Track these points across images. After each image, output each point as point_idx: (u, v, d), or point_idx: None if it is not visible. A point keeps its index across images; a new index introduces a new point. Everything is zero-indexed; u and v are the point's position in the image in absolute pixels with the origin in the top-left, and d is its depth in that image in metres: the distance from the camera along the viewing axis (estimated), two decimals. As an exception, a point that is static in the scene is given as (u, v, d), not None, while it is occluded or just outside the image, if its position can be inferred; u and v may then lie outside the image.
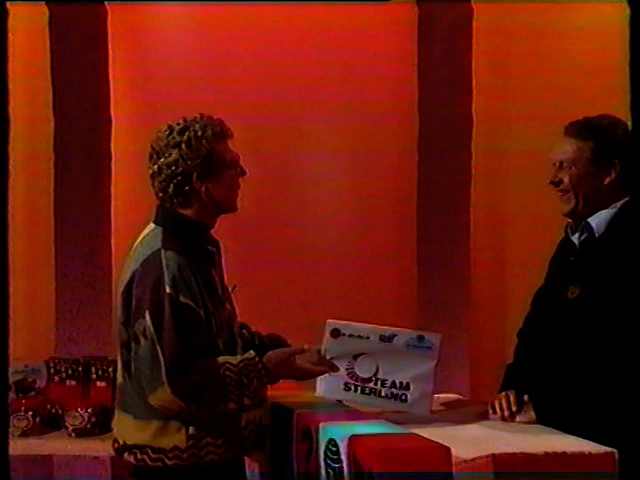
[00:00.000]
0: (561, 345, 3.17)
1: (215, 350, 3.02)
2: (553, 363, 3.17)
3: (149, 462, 3.03)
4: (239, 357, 3.02)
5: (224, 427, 3.04)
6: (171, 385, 2.90)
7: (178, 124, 3.10)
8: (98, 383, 4.42)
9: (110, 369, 4.42)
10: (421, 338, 3.20)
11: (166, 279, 2.95)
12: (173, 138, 3.07)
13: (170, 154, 3.06)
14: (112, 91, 5.39)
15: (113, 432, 3.23)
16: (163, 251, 3.00)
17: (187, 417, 2.98)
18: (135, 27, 5.55)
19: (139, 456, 3.04)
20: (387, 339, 3.21)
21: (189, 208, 3.10)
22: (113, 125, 5.40)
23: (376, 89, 5.50)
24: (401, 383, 3.21)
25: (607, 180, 3.19)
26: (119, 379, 3.12)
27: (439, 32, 5.45)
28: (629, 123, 3.25)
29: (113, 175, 5.41)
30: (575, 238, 3.26)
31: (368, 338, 3.23)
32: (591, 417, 2.96)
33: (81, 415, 4.25)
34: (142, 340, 2.95)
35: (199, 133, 3.07)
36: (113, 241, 5.35)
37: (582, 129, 3.22)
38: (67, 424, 4.27)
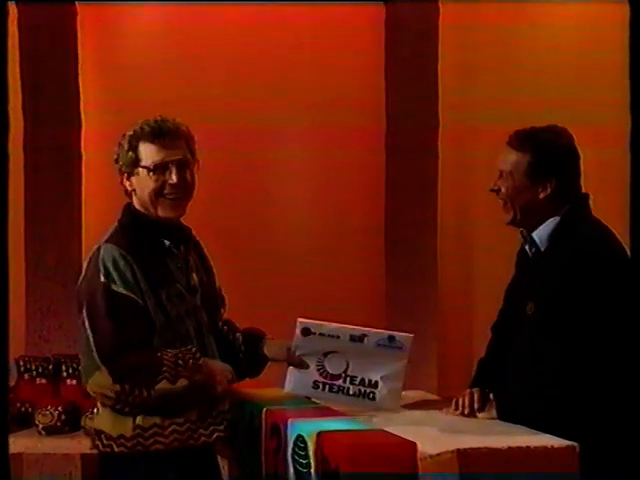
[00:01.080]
0: (521, 354, 3.21)
1: (162, 338, 3.07)
2: (515, 370, 3.21)
3: (101, 448, 3.10)
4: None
5: (169, 415, 3.05)
6: (107, 366, 2.96)
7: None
8: (68, 381, 4.43)
9: (80, 367, 4.42)
10: (392, 338, 3.24)
11: (101, 270, 3.03)
12: (124, 136, 3.19)
13: (119, 147, 3.18)
14: (82, 91, 5.40)
15: None
16: (103, 245, 3.09)
17: (122, 406, 3.02)
18: (105, 27, 5.55)
19: (96, 442, 3.11)
20: (358, 339, 3.24)
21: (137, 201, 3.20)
22: (83, 125, 5.41)
23: (344, 90, 5.54)
24: (370, 381, 3.25)
25: (542, 195, 3.18)
26: None
27: (406, 33, 5.49)
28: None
29: (84, 175, 5.42)
30: (527, 249, 3.30)
31: (338, 337, 3.26)
32: (543, 419, 3.01)
33: (51, 413, 4.26)
34: (82, 331, 3.04)
35: (130, 132, 3.16)
36: (84, 241, 5.36)
37: (522, 141, 3.20)
38: (37, 422, 4.27)
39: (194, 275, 3.24)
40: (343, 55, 5.55)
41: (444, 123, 5.47)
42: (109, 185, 5.42)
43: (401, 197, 5.51)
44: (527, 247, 3.28)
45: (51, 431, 4.24)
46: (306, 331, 3.28)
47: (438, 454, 2.62)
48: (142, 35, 5.57)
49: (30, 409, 4.37)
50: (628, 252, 2.97)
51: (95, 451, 3.15)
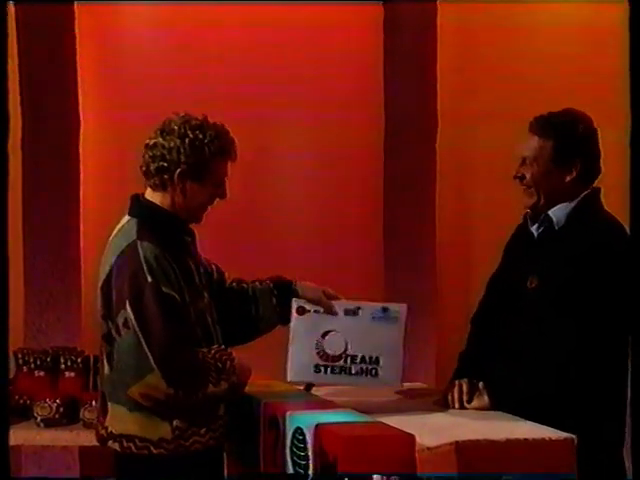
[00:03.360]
0: (520, 332, 3.22)
1: (195, 339, 3.06)
2: (511, 350, 3.22)
3: (135, 450, 3.06)
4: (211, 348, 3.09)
5: (204, 416, 3.08)
6: (162, 370, 2.93)
7: (196, 119, 3.13)
8: (67, 374, 4.42)
9: (79, 360, 4.42)
10: (385, 309, 3.25)
11: (145, 269, 2.98)
12: (184, 128, 3.10)
13: (172, 139, 3.09)
14: (80, 91, 5.39)
15: (96, 421, 3.29)
16: (139, 242, 3.03)
17: (166, 408, 3.01)
18: (104, 27, 5.54)
19: (125, 444, 3.07)
20: (352, 312, 3.26)
21: (160, 194, 3.14)
22: (82, 124, 5.40)
23: (343, 87, 5.55)
24: (370, 357, 3.25)
25: (568, 178, 3.24)
26: (105, 371, 3.14)
27: (404, 31, 5.50)
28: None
29: (82, 169, 5.41)
30: (534, 229, 3.32)
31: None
32: (551, 398, 3.03)
33: (49, 405, 4.26)
34: (124, 331, 2.98)
35: (207, 140, 3.10)
36: (82, 234, 5.37)
37: (544, 126, 3.26)
38: (35, 414, 4.28)
39: (201, 269, 3.25)
40: (342, 52, 5.56)
41: (443, 121, 5.48)
42: (108, 178, 5.50)
43: (400, 189, 5.53)
44: (535, 227, 3.30)
45: (49, 423, 4.25)
46: (301, 310, 3.30)
47: (437, 446, 2.63)
48: (141, 34, 5.55)
49: (28, 401, 4.36)
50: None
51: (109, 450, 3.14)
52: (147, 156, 3.13)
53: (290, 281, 3.39)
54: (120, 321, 2.99)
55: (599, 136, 3.31)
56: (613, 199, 3.38)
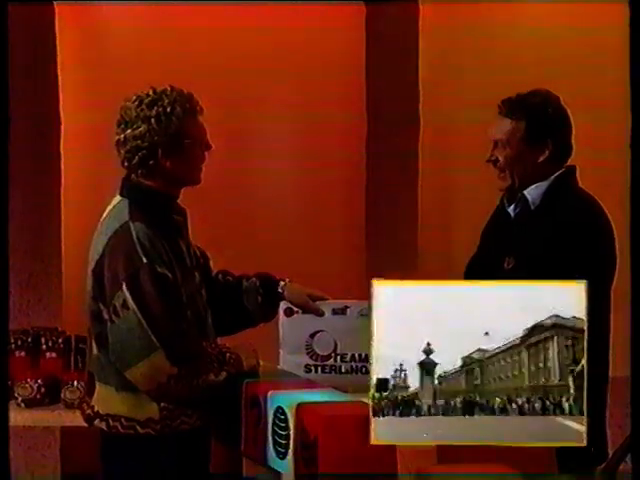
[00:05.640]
0: None
1: (187, 320, 3.06)
2: None
3: (121, 429, 3.05)
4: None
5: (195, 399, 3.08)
6: (166, 348, 2.93)
7: (148, 95, 3.08)
8: (48, 354, 4.42)
9: (60, 340, 4.42)
10: None
11: (139, 250, 2.97)
12: (142, 110, 3.05)
13: (138, 127, 3.04)
14: (61, 92, 5.38)
15: (81, 400, 3.29)
16: (131, 223, 3.01)
17: (162, 394, 3.01)
18: (84, 27, 5.54)
19: (111, 423, 3.06)
20: (340, 311, 3.26)
21: (153, 179, 3.10)
22: (62, 108, 5.39)
23: (325, 86, 5.60)
24: (360, 355, 3.26)
25: (541, 158, 3.25)
26: (93, 351, 3.12)
27: (386, 31, 5.53)
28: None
29: (63, 151, 5.41)
30: (511, 210, 3.33)
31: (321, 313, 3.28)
32: None
33: (30, 386, 4.26)
34: (122, 312, 2.96)
35: (168, 109, 3.05)
36: (63, 214, 5.36)
37: (514, 108, 3.26)
38: (16, 395, 4.28)
39: (191, 251, 3.23)
40: (324, 53, 5.62)
41: (424, 121, 5.52)
42: (89, 158, 5.49)
43: (382, 171, 5.56)
44: (510, 208, 3.31)
45: (30, 404, 4.25)
46: (289, 311, 3.29)
47: (416, 425, 2.64)
48: (122, 34, 5.56)
49: (9, 382, 4.36)
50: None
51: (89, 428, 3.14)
52: (123, 152, 3.09)
53: (277, 281, 3.35)
54: (118, 303, 2.97)
55: (570, 115, 3.33)
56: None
